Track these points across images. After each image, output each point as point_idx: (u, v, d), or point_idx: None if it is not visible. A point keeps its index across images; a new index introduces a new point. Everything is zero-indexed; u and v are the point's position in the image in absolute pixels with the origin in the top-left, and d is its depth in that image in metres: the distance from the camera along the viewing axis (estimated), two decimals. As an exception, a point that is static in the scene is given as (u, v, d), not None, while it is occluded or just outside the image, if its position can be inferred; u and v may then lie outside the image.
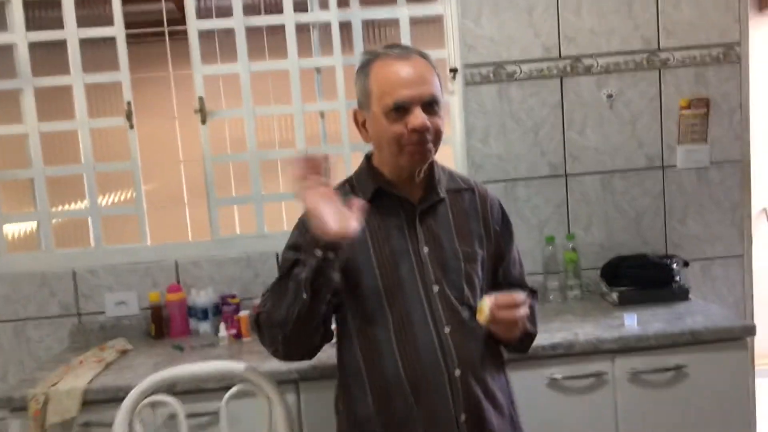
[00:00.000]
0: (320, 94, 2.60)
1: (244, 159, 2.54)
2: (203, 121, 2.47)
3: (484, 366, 1.50)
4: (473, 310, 1.46)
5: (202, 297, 2.39)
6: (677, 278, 2.37)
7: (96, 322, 2.47)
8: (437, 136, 1.46)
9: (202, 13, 2.53)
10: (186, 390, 1.83)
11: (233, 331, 2.31)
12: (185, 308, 2.41)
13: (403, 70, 1.42)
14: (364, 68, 1.48)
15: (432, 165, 1.54)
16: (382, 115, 1.42)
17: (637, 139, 2.56)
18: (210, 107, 2.49)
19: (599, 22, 2.52)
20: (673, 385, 2.02)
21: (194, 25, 2.44)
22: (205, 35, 2.50)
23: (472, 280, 1.51)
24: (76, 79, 2.45)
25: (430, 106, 1.42)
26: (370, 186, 1.53)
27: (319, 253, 1.32)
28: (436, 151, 1.49)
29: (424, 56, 1.48)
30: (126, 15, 2.44)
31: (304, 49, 2.54)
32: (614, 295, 2.34)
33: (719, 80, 2.56)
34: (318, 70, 2.58)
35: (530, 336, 1.61)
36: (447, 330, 1.45)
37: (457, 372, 1.45)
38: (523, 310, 1.41)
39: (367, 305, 1.48)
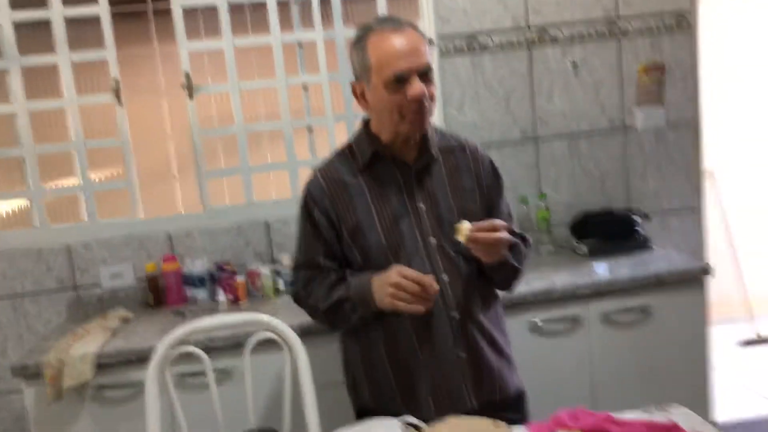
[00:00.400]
0: (302, 67, 2.71)
1: (231, 132, 2.63)
2: (190, 96, 2.55)
3: (480, 309, 1.66)
4: (468, 260, 1.62)
5: (198, 266, 2.49)
6: (639, 230, 2.58)
7: (93, 295, 2.55)
8: (432, 101, 1.60)
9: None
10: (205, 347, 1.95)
11: (231, 296, 2.43)
12: (180, 277, 2.51)
13: (399, 42, 1.53)
14: (360, 42, 1.59)
15: (426, 128, 1.67)
16: (382, 86, 1.54)
17: (600, 103, 2.76)
18: (196, 82, 2.56)
19: (563, -6, 2.70)
20: (640, 323, 2.25)
21: (178, 2, 2.50)
22: (189, 11, 2.56)
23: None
24: (63, 57, 2.49)
25: (425, 74, 1.55)
26: (368, 150, 1.66)
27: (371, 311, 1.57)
28: (431, 115, 1.63)
29: (414, 28, 1.60)
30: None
31: (286, 24, 2.63)
32: (584, 248, 2.55)
33: (673, 47, 2.76)
34: (300, 44, 2.68)
35: (515, 270, 1.70)
36: (446, 278, 1.60)
37: (456, 315, 1.61)
38: (502, 234, 1.52)
39: (373, 260, 1.62)
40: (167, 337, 1.62)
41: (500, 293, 1.76)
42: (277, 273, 2.51)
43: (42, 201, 2.56)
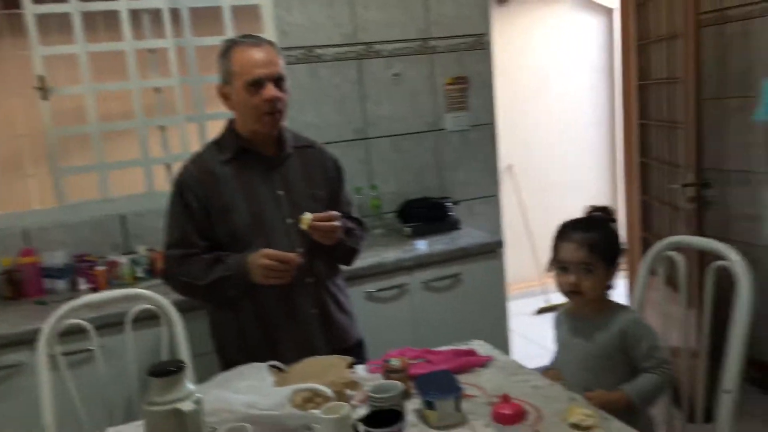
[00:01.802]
0: (155, 71, 2.92)
1: (86, 131, 2.77)
2: (44, 98, 2.66)
3: (327, 276, 2.06)
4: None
5: (57, 258, 2.62)
6: (451, 214, 3.13)
7: (-55, 291, 2.57)
8: (284, 105, 1.97)
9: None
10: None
11: (92, 285, 2.59)
12: (39, 270, 2.62)
13: (258, 54, 1.90)
14: (226, 53, 1.93)
15: (281, 128, 2.03)
16: (243, 89, 1.89)
17: (418, 109, 3.27)
18: (50, 82, 2.68)
19: (384, 15, 3.15)
20: (453, 288, 2.77)
21: (31, 9, 2.61)
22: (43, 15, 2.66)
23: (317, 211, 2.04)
24: None
25: (279, 82, 1.93)
26: (234, 145, 1.99)
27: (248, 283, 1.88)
28: (284, 117, 1.99)
29: (271, 44, 1.97)
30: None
31: (138, 31, 2.83)
32: (407, 230, 3.04)
33: (473, 62, 3.35)
34: (151, 50, 2.89)
35: (351, 250, 2.12)
36: (301, 251, 1.98)
37: (310, 280, 1.99)
38: (337, 223, 1.93)
39: (240, 237, 1.96)
40: (55, 313, 1.82)
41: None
42: (135, 262, 2.71)
43: None
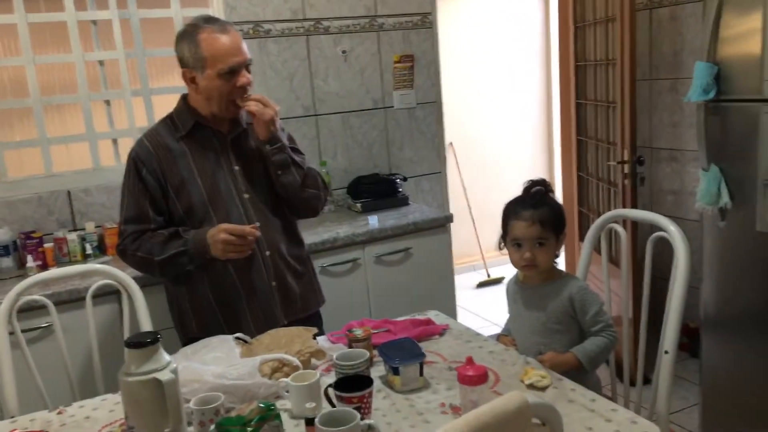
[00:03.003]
0: (98, 44, 2.84)
1: (27, 105, 2.69)
2: (-18, 69, 2.57)
3: (285, 247, 2.10)
4: (274, 211, 2.05)
5: (2, 235, 2.55)
6: (400, 190, 3.21)
7: None
8: (251, 88, 1.99)
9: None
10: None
11: (39, 263, 2.54)
12: (-19, 248, 2.55)
13: (227, 41, 1.91)
14: (192, 37, 1.91)
15: None
16: (216, 76, 1.89)
17: (366, 86, 3.31)
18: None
19: (333, -8, 3.18)
20: (404, 262, 2.86)
21: (-35, -27, 2.50)
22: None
23: (273, 186, 2.07)
24: None
25: (248, 67, 1.94)
26: (189, 121, 2.00)
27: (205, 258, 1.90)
28: (249, 98, 2.00)
29: (234, 28, 1.97)
30: None
31: (80, 4, 2.75)
32: (358, 206, 3.10)
33: (419, 41, 3.41)
34: (95, 22, 2.81)
35: (314, 195, 2.11)
36: (257, 224, 2.00)
37: (267, 253, 2.03)
38: (272, 112, 1.95)
39: (197, 213, 1.97)
40: (13, 288, 1.79)
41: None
42: (83, 239, 2.66)
43: None
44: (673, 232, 1.75)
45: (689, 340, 3.09)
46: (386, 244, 2.81)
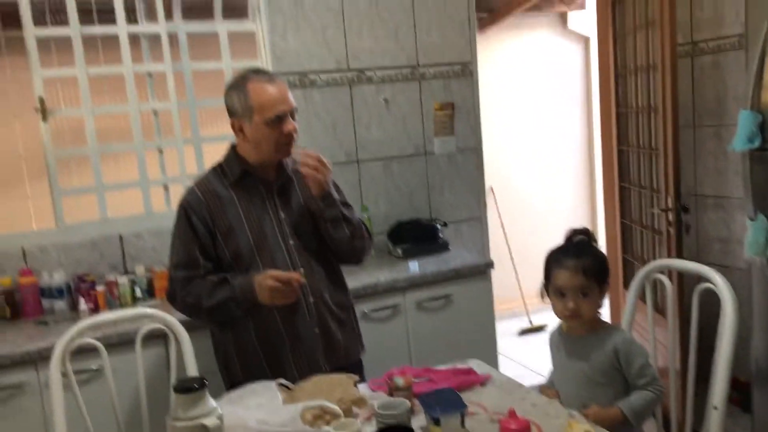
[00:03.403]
0: (152, 94, 2.98)
1: (85, 153, 2.82)
2: (44, 119, 2.70)
3: (329, 295, 2.13)
4: (319, 258, 2.09)
5: (56, 278, 2.64)
6: (440, 235, 3.23)
7: (-59, 312, 2.57)
8: (297, 135, 2.06)
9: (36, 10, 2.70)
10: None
11: (91, 305, 2.62)
12: (37, 290, 2.64)
13: (274, 90, 1.99)
14: (240, 87, 2.00)
15: None
16: (263, 124, 1.97)
17: (407, 133, 3.37)
18: (50, 103, 2.72)
19: (376, 44, 3.26)
20: (444, 308, 2.85)
21: (32, 32, 2.66)
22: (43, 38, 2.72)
23: (319, 232, 2.12)
24: None
25: (293, 114, 2.02)
26: (237, 169, 2.07)
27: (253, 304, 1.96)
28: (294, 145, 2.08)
29: (280, 78, 2.06)
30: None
31: (137, 55, 2.89)
32: (399, 251, 3.12)
33: (460, 89, 3.47)
34: (150, 74, 2.95)
35: (351, 228, 2.11)
36: (302, 270, 2.04)
37: (312, 299, 2.07)
38: (327, 172, 2.00)
39: (244, 259, 2.03)
40: (68, 331, 1.86)
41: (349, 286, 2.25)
42: (133, 282, 2.74)
43: None
44: (719, 283, 1.72)
45: (740, 395, 2.98)
46: (427, 291, 2.81)
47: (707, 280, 1.79)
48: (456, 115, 3.46)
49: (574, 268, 1.72)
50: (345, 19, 3.19)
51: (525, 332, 4.88)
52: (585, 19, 5.24)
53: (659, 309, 2.90)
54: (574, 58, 5.45)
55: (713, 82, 3.25)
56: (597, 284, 1.73)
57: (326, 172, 2.02)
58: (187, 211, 2.02)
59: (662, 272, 1.99)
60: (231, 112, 2.03)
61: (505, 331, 4.76)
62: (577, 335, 1.78)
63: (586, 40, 5.41)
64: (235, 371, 2.07)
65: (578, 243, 1.80)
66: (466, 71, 3.47)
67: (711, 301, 1.85)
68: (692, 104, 3.37)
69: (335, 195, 2.09)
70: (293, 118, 2.02)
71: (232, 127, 2.04)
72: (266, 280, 1.92)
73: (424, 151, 3.42)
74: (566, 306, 1.72)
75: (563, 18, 5.34)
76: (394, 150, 3.35)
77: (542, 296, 1.84)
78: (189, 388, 1.34)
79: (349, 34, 3.21)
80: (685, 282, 2.84)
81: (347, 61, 3.22)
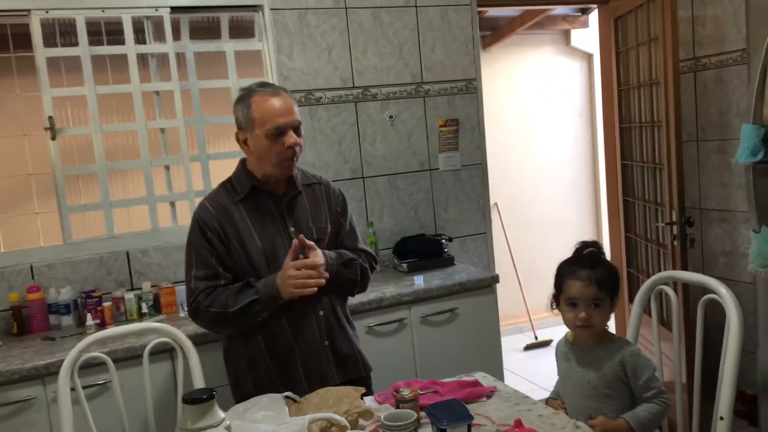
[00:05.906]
0: (160, 113, 3.02)
1: (93, 171, 2.85)
2: (53, 138, 2.74)
3: (338, 308, 2.14)
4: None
5: (64, 294, 2.66)
6: (445, 250, 3.24)
7: (-50, 327, 2.60)
8: (301, 149, 2.07)
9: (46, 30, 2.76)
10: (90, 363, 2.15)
11: (98, 321, 2.64)
12: (45, 306, 2.66)
13: (277, 103, 2.00)
14: (245, 101, 2.02)
15: None
16: (264, 136, 1.99)
17: (412, 149, 3.40)
18: (59, 122, 2.76)
19: (380, 61, 3.31)
20: (450, 322, 2.86)
21: (42, 52, 2.71)
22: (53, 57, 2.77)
23: (323, 246, 2.13)
24: None
25: (297, 129, 2.03)
26: (247, 184, 2.09)
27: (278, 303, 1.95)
28: (298, 160, 2.10)
29: (286, 92, 2.08)
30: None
31: (144, 74, 2.93)
32: (404, 265, 3.14)
33: (464, 105, 3.50)
34: (157, 93, 2.99)
35: (350, 281, 2.13)
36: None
37: (321, 312, 2.08)
38: (319, 261, 1.96)
39: (256, 272, 2.03)
40: (76, 345, 1.87)
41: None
42: (140, 298, 2.76)
43: None
44: (724, 294, 1.73)
45: (746, 408, 2.97)
46: (432, 305, 2.82)
47: (712, 291, 1.79)
48: (461, 131, 3.49)
49: (588, 279, 1.73)
50: (350, 38, 3.24)
51: (530, 347, 4.87)
52: (588, 37, 5.29)
53: (664, 322, 2.90)
54: (577, 74, 5.50)
55: (716, 96, 3.27)
56: (609, 296, 1.74)
57: (311, 289, 1.96)
58: (200, 226, 2.03)
59: (667, 284, 1.99)
60: (237, 125, 2.06)
61: (511, 346, 4.76)
62: (585, 346, 1.79)
63: (589, 57, 5.46)
64: (245, 384, 2.07)
65: (591, 254, 1.81)
66: (471, 88, 3.51)
67: (716, 314, 1.85)
68: (695, 119, 3.39)
69: (334, 269, 2.06)
70: (297, 132, 2.03)
71: (237, 139, 2.06)
72: (287, 270, 1.93)
73: (429, 167, 3.44)
74: (578, 316, 1.73)
75: (566, 35, 5.39)
76: (400, 166, 3.38)
77: (552, 307, 1.84)
78: (198, 398, 1.35)
79: (354, 52, 3.25)
80: (690, 295, 2.84)
81: (352, 79, 3.26)
